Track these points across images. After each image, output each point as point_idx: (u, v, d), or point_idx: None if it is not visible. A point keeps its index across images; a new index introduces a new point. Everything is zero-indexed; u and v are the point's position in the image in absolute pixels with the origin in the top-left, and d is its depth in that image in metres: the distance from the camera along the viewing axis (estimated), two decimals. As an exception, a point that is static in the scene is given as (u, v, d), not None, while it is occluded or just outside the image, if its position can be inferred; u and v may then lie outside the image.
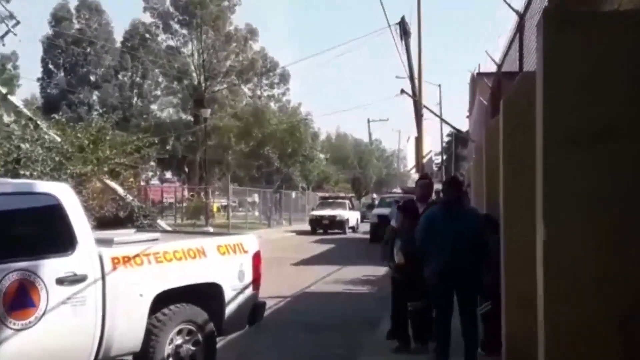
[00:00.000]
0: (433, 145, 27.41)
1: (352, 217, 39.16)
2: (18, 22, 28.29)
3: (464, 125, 44.68)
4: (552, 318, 4.46)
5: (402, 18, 26.58)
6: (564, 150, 4.47)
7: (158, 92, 59.25)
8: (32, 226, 6.16)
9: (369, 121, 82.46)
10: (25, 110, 22.79)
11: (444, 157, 54.34)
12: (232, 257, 7.52)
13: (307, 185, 50.92)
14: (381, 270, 15.17)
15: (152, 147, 23.48)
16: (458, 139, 49.82)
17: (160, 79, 57.82)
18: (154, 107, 59.16)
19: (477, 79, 30.93)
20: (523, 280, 5.97)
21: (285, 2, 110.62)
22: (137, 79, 58.86)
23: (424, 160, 24.62)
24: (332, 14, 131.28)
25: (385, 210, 26.68)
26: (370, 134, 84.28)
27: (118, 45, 57.25)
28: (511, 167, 6.85)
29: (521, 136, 6.44)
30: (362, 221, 41.15)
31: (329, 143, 69.47)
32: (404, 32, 26.67)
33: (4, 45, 29.26)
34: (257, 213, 45.91)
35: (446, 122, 33.23)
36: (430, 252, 7.28)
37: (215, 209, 43.26)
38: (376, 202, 38.61)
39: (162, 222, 22.85)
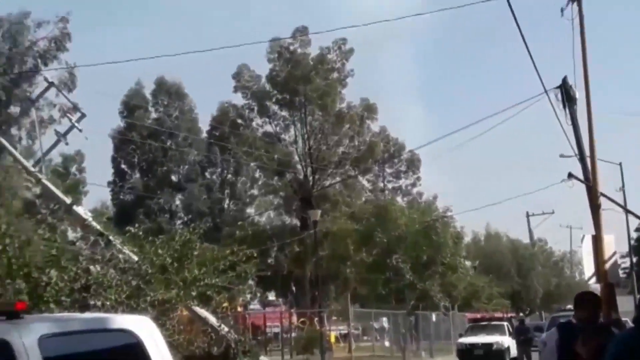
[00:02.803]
0: (618, 245, 26.46)
1: (515, 344, 38.09)
2: (83, 115, 30.06)
3: (658, 215, 43.29)
4: None
5: (564, 80, 26.21)
6: None
7: (255, 192, 60.78)
8: (107, 374, 6.30)
9: (528, 216, 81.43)
10: (94, 224, 23.73)
11: (634, 260, 52.49)
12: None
13: (451, 303, 50.13)
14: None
15: (251, 262, 23.86)
16: (652, 233, 48.22)
17: (257, 175, 59.34)
18: (250, 210, 60.54)
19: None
20: None
21: (408, 69, 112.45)
22: (229, 176, 60.58)
23: (606, 266, 23.75)
24: (469, 82, 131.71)
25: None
26: (531, 233, 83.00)
27: (204, 135, 59.26)
28: None
29: None
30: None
31: (477, 246, 68.63)
32: (567, 98, 26.25)
33: (67, 144, 30.78)
34: (387, 342, 45.41)
35: (632, 214, 32.29)
36: None
37: (332, 339, 43.13)
38: (527, 322, 37.41)
39: (266, 359, 22.99)
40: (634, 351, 6.67)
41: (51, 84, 29.67)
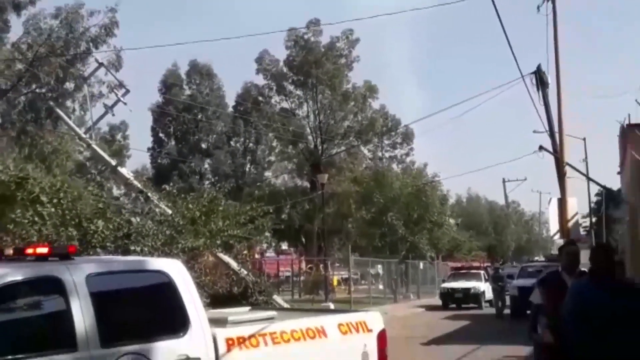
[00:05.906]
0: (579, 207, 26.38)
1: (490, 289, 38.19)
2: (128, 91, 30.05)
3: (615, 183, 43.04)
4: None
5: (538, 67, 26.08)
6: None
7: (272, 158, 60.73)
8: (143, 306, 6.34)
9: (504, 181, 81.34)
10: (135, 182, 23.83)
11: (593, 220, 52.38)
12: (355, 337, 7.48)
13: (436, 254, 50.27)
14: (524, 350, 14.67)
15: (267, 217, 23.97)
16: (609, 198, 47.97)
17: (274, 144, 59.24)
18: (268, 174, 60.58)
19: (628, 131, 29.82)
20: None
21: (406, 55, 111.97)
22: (250, 144, 60.53)
23: (569, 225, 23.77)
24: (457, 67, 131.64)
25: (527, 282, 25.93)
26: (506, 196, 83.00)
27: (230, 110, 59.25)
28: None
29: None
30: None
31: (460, 207, 68.69)
32: (541, 83, 26.13)
33: (113, 115, 30.87)
34: (381, 286, 45.63)
35: (593, 181, 32.17)
36: (584, 338, 6.28)
37: (335, 283, 43.37)
38: (501, 271, 37.41)
39: (278, 298, 23.10)
40: (582, 296, 6.60)
41: (101, 64, 29.70)
